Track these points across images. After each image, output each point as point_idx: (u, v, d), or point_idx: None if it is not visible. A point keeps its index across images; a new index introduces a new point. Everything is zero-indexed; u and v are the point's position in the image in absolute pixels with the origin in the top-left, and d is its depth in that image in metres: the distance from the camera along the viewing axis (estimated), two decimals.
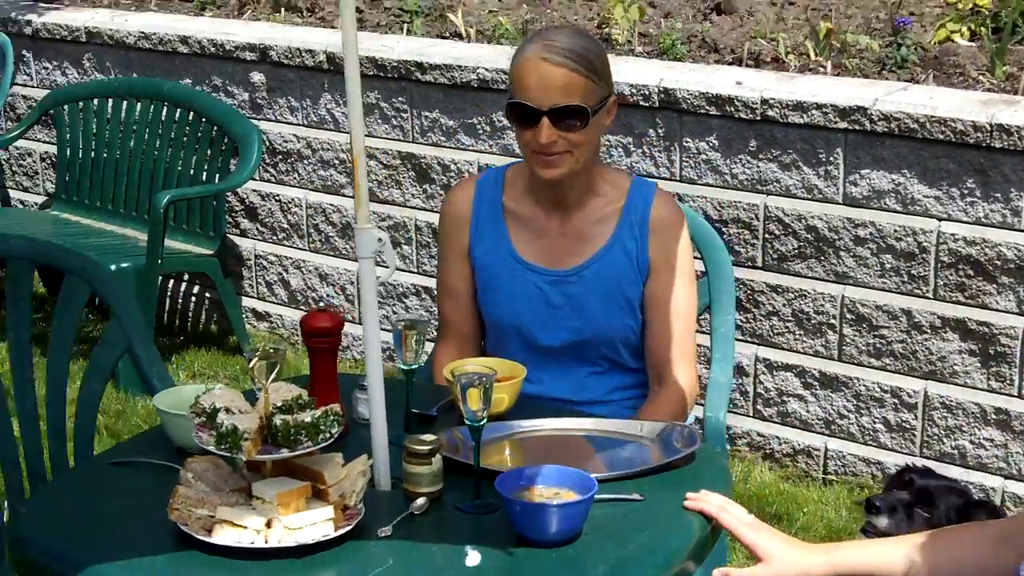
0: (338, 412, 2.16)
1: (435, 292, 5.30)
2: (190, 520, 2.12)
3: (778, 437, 4.72)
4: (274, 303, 5.88)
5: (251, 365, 2.17)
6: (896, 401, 4.46)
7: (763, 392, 4.74)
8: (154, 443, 2.52)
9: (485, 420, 2.26)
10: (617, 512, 2.28)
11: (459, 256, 3.04)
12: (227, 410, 2.16)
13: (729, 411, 4.78)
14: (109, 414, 4.82)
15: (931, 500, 2.86)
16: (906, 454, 4.49)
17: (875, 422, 4.53)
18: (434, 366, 3.05)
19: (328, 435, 2.14)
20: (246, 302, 5.94)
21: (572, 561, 2.11)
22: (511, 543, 2.16)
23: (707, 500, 2.31)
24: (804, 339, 4.63)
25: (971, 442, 4.37)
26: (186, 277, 6.07)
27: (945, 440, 4.40)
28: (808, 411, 4.66)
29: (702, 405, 3.21)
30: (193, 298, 6.11)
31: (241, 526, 2.09)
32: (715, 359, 3.23)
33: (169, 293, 6.12)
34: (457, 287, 3.06)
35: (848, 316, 4.52)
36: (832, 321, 4.56)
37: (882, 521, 2.84)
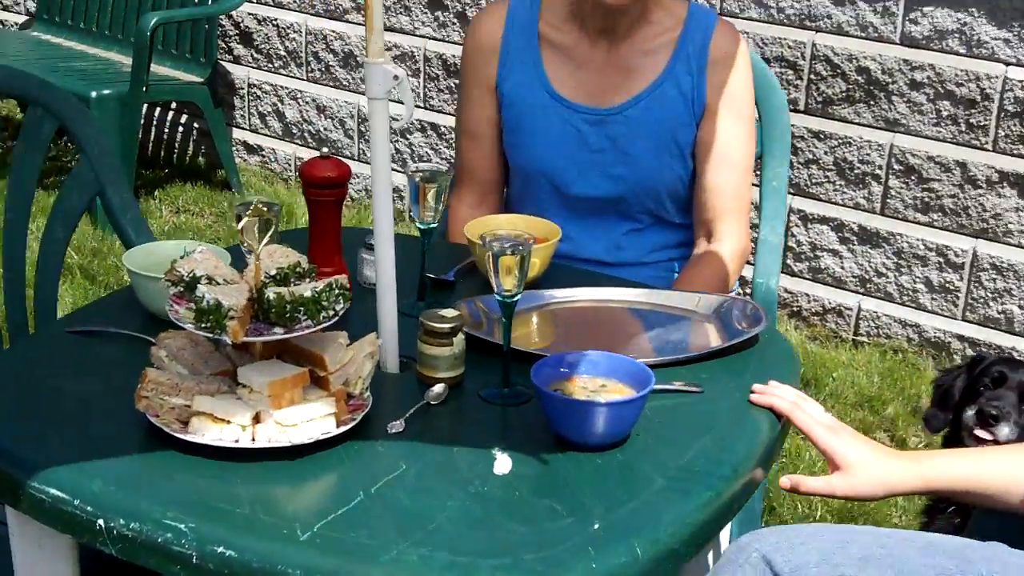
0: (344, 285, 1.78)
1: (445, 130, 4.93)
2: (162, 411, 1.76)
3: (807, 294, 4.37)
4: (267, 136, 5.48)
5: (240, 226, 1.78)
6: (941, 260, 4.11)
7: (795, 246, 4.37)
8: (125, 307, 2.15)
9: (519, 295, 1.88)
10: (671, 406, 1.92)
11: (484, 92, 2.64)
12: (209, 279, 1.78)
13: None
14: (84, 253, 4.45)
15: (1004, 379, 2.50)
16: (947, 317, 4.16)
17: (915, 282, 4.18)
18: (450, 220, 2.67)
19: (331, 312, 1.77)
20: (236, 134, 5.54)
21: (623, 471, 1.76)
22: (546, 444, 1.80)
23: (777, 395, 1.95)
24: (845, 190, 4.25)
25: (1020, 307, 4.03)
26: (173, 106, 5.64)
27: (992, 304, 4.06)
28: (843, 267, 4.31)
29: (751, 265, 2.84)
30: (180, 128, 5.70)
31: (224, 420, 1.73)
32: (764, 217, 2.84)
33: (154, 123, 5.70)
34: (480, 128, 2.65)
35: (896, 167, 4.14)
36: (878, 172, 4.17)
37: (1003, 431, 2.47)
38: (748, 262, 2.89)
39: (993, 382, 2.54)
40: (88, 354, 2.02)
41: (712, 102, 2.56)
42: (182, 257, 1.82)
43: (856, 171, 4.21)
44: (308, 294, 1.74)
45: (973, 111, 3.98)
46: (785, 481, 1.90)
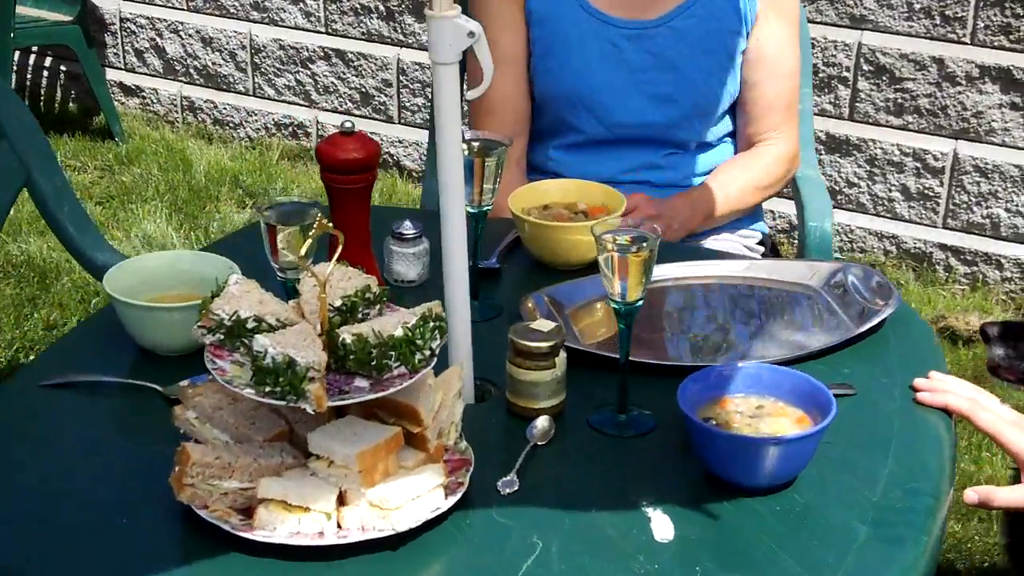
0: (441, 316, 1.36)
1: (352, 56, 4.44)
2: (211, 499, 1.33)
3: (772, 211, 4.03)
4: (146, 75, 4.92)
5: (303, 250, 1.32)
6: (919, 165, 3.80)
7: None
8: (104, 343, 1.69)
9: (641, 301, 1.48)
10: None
11: (514, 10, 2.25)
12: (259, 321, 1.34)
13: None
14: None
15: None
16: (927, 226, 3.87)
17: (891, 190, 3.88)
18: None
19: (427, 352, 1.34)
20: (110, 75, 4.96)
21: (813, 520, 1.39)
22: (699, 488, 1.43)
23: (951, 391, 1.59)
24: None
25: (1007, 210, 3.75)
26: (34, 49, 5.03)
27: (975, 209, 3.77)
28: None
29: (789, 199, 2.48)
30: (44, 73, 5.10)
31: (300, 508, 1.30)
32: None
33: (15, 69, 5.08)
34: (511, 52, 2.25)
35: (865, 67, 3.80)
36: (845, 74, 3.84)
37: (997, 351, 2.16)
38: (787, 196, 2.54)
39: None
40: (76, 415, 1.56)
41: (763, 5, 2.23)
42: (217, 296, 1.37)
43: (820, 75, 3.86)
44: (399, 333, 1.31)
45: (948, 2, 3.65)
46: (972, 495, 1.55)
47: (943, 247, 3.84)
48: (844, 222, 3.96)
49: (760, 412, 1.46)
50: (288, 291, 1.53)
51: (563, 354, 1.53)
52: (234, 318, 1.34)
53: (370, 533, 1.30)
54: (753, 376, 1.49)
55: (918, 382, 1.61)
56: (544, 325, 1.54)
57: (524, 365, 1.52)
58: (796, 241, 3.21)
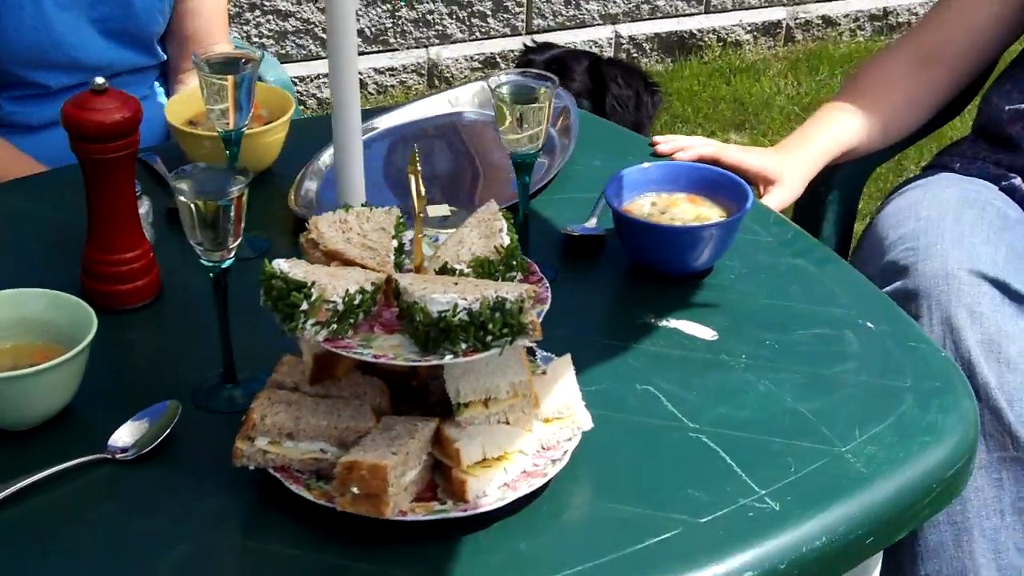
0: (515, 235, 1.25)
1: None
2: (400, 500, 1.14)
3: None
4: None
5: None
6: None
7: None
8: None
9: (540, 148, 1.46)
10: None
11: None
12: (362, 292, 1.15)
13: None
14: None
15: (567, 70, 2.47)
16: None
17: None
18: None
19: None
20: None
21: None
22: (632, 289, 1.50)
23: (693, 144, 1.79)
24: None
25: None
26: None
27: None
28: None
29: None
30: None
31: (497, 459, 1.18)
32: None
33: None
34: None
35: None
36: None
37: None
38: None
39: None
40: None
41: None
42: (295, 286, 1.12)
43: None
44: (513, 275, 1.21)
45: None
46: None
47: None
48: None
49: (659, 207, 1.55)
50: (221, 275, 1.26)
51: None
52: (346, 298, 1.13)
53: (568, 444, 1.22)
54: (657, 175, 1.56)
55: (661, 145, 1.77)
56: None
57: None
58: None
